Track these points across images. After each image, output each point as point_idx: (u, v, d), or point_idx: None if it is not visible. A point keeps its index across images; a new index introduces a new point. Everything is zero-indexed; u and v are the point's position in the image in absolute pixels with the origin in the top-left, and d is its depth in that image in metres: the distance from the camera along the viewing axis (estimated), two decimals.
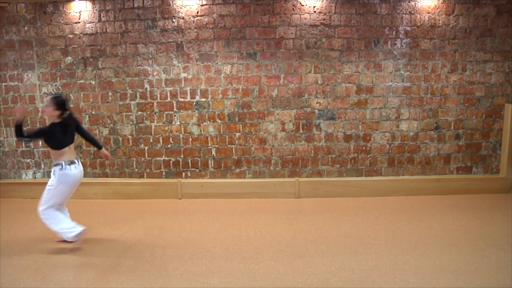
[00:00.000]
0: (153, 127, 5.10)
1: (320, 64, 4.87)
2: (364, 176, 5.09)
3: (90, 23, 4.92)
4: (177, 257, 3.40)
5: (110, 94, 5.06)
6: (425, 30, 4.79)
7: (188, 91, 5.00)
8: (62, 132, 3.44)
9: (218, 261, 3.30)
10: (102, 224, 4.24)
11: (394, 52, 4.84)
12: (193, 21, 4.85)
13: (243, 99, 4.98)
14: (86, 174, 5.13)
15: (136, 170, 5.20)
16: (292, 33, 4.82)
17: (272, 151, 5.08)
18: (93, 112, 5.12)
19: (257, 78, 4.93)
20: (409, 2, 4.74)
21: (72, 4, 4.88)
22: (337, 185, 5.00)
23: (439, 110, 4.95)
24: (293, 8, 4.78)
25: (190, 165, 5.15)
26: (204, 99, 5.01)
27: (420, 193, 4.96)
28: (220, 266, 3.22)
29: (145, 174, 5.20)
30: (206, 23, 4.84)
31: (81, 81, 5.05)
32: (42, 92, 5.10)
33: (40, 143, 5.20)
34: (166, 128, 5.09)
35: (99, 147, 3.88)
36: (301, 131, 5.02)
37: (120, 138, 5.14)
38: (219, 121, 5.04)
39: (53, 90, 5.08)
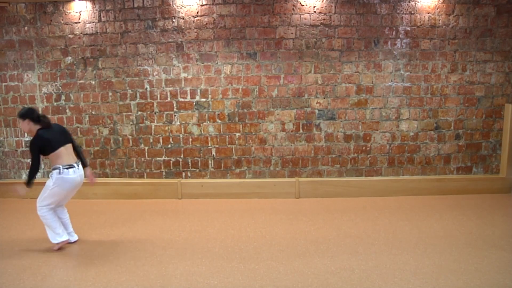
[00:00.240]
0: (153, 127, 5.10)
1: (320, 64, 4.88)
2: (364, 176, 5.09)
3: (90, 23, 4.92)
4: (177, 257, 3.40)
5: (110, 94, 5.06)
6: (425, 30, 4.79)
7: (188, 91, 5.00)
8: (50, 134, 3.40)
9: (218, 261, 3.30)
10: (102, 224, 4.24)
11: (394, 52, 4.84)
12: (193, 21, 4.85)
13: (243, 99, 4.98)
14: None
15: (136, 170, 5.20)
16: (292, 33, 4.82)
17: (272, 151, 5.08)
18: (93, 112, 5.12)
19: (257, 78, 4.93)
20: (409, 2, 4.74)
21: (72, 4, 4.89)
22: (337, 185, 5.00)
23: (439, 110, 4.94)
24: (293, 8, 4.78)
25: (190, 165, 5.15)
26: (204, 99, 5.01)
27: (420, 193, 4.96)
28: (220, 266, 3.22)
29: (145, 174, 5.20)
30: (206, 23, 4.84)
31: (81, 81, 5.05)
32: (42, 92, 5.10)
33: None
34: (166, 128, 5.09)
35: (84, 165, 3.67)
36: (301, 131, 5.02)
37: (120, 138, 5.14)
38: (219, 121, 5.04)
39: (53, 90, 5.08)
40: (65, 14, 4.92)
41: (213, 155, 5.12)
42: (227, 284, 2.93)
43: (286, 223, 4.14)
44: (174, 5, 4.82)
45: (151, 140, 5.12)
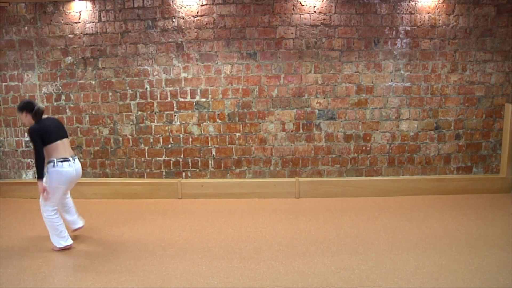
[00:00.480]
0: (153, 127, 5.10)
1: (320, 64, 4.87)
2: (364, 176, 5.09)
3: (90, 23, 4.92)
4: (177, 257, 3.40)
5: (110, 94, 5.06)
6: (425, 30, 4.79)
7: (188, 91, 5.00)
8: (49, 124, 3.43)
9: (218, 261, 3.30)
10: (102, 224, 4.24)
11: (394, 52, 4.84)
12: (193, 21, 4.85)
13: (243, 99, 4.98)
14: (86, 174, 5.16)
15: (136, 170, 5.20)
16: (292, 33, 4.82)
17: (272, 151, 5.08)
18: (93, 112, 5.12)
19: (257, 78, 4.93)
20: (409, 2, 4.74)
21: (72, 4, 4.88)
22: (337, 185, 5.00)
23: (439, 110, 4.94)
24: (293, 8, 4.78)
25: (190, 165, 5.15)
26: (204, 99, 5.01)
27: (420, 193, 4.96)
28: (220, 266, 3.22)
29: (145, 174, 5.20)
30: (206, 23, 4.84)
31: (81, 81, 5.05)
32: (42, 92, 5.10)
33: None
34: (166, 128, 5.09)
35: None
36: (301, 131, 5.02)
37: (120, 138, 5.14)
38: (219, 121, 5.04)
39: (53, 90, 5.08)
40: (65, 14, 4.92)
41: (213, 155, 5.12)
42: (227, 284, 2.94)
43: (286, 223, 4.14)
44: (174, 5, 4.82)
45: (151, 140, 5.12)
